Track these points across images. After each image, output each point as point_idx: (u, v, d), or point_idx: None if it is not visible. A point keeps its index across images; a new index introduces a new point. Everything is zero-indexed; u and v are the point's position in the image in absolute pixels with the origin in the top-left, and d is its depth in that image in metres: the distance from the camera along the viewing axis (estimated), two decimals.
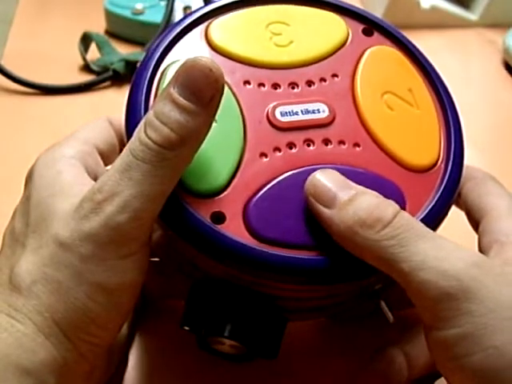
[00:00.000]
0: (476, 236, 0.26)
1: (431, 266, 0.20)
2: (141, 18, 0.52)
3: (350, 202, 0.22)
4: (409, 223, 0.21)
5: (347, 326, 0.31)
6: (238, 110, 0.25)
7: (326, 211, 0.22)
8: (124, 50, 0.50)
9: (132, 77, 0.26)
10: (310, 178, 0.23)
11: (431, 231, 0.22)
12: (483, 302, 0.20)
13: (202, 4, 0.53)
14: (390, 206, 0.22)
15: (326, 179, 0.23)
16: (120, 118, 0.28)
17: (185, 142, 0.21)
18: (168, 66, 0.26)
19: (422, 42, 0.59)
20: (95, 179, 0.24)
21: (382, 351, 0.28)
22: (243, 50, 0.27)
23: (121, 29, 0.54)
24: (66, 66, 0.50)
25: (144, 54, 0.27)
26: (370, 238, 0.21)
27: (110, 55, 0.49)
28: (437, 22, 0.59)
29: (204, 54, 0.26)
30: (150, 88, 0.25)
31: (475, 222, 0.26)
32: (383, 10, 0.57)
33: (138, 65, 0.26)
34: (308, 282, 0.23)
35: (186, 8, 0.53)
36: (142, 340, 0.30)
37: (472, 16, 0.60)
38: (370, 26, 0.29)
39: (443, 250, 0.21)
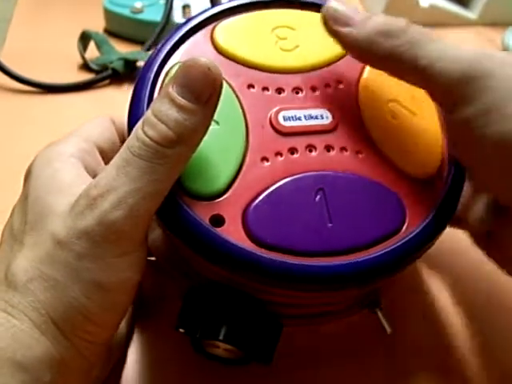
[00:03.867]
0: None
1: (449, 56, 0.22)
2: (140, 16, 0.52)
3: (367, 19, 0.24)
4: (421, 30, 0.24)
5: (344, 328, 0.31)
6: (240, 113, 0.25)
7: (344, 29, 0.25)
8: (123, 49, 0.50)
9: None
10: (324, 6, 0.25)
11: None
12: (500, 78, 0.21)
13: (201, 3, 0.53)
14: (403, 20, 0.24)
15: (339, 6, 0.25)
16: (122, 116, 0.28)
17: (182, 140, 0.21)
18: (172, 66, 0.26)
19: None
20: (94, 177, 0.24)
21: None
22: (248, 53, 0.27)
23: (120, 27, 0.53)
24: (65, 65, 0.49)
25: (149, 54, 0.27)
26: (390, 44, 0.23)
27: (108, 54, 0.49)
28: (436, 21, 0.59)
29: (209, 55, 0.26)
30: (154, 87, 0.25)
31: None
32: (382, 8, 0.57)
33: (143, 64, 0.27)
34: (304, 289, 0.23)
35: (184, 7, 0.52)
36: (140, 339, 0.30)
37: (471, 15, 0.60)
38: None
39: (456, 46, 0.23)
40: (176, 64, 0.26)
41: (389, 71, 0.25)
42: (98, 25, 0.53)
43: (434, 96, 0.24)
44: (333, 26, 0.25)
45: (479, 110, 0.22)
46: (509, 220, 0.24)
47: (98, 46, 0.49)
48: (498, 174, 0.22)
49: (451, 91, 0.22)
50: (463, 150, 0.24)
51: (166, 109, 0.21)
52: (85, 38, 0.49)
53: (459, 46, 0.23)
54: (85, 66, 0.49)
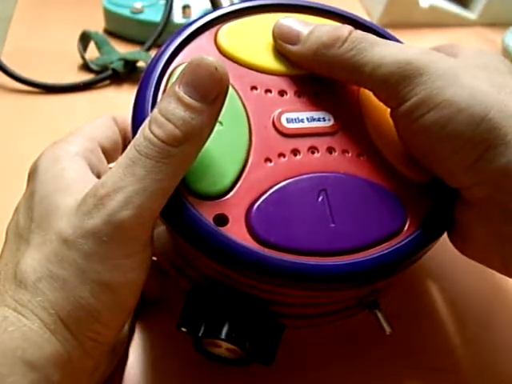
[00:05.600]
0: None
1: (388, 61, 0.24)
2: (140, 16, 0.52)
3: (311, 33, 0.26)
4: (363, 35, 0.25)
5: (344, 329, 0.31)
6: (244, 114, 0.25)
7: (293, 47, 0.27)
8: (123, 49, 0.50)
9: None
10: (275, 23, 0.27)
11: (383, 39, 0.25)
12: (433, 72, 0.23)
13: (201, 3, 0.53)
14: (345, 27, 0.26)
15: (288, 22, 0.27)
16: (124, 116, 0.28)
17: (188, 139, 0.21)
18: (176, 67, 0.26)
19: (421, 41, 0.58)
20: (98, 176, 0.25)
21: None
22: (252, 56, 0.27)
23: (120, 28, 0.53)
24: (65, 65, 0.50)
25: (153, 55, 0.27)
26: (334, 54, 0.25)
27: (108, 54, 0.49)
28: (436, 21, 0.59)
29: (213, 57, 0.27)
30: (158, 87, 0.25)
31: None
32: (382, 8, 0.57)
33: (147, 65, 0.27)
34: (306, 288, 0.24)
35: (184, 7, 0.52)
36: (141, 338, 0.30)
37: (471, 15, 0.60)
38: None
39: (396, 48, 0.24)
40: (180, 65, 0.26)
41: (338, 78, 0.26)
42: (97, 25, 0.53)
43: (379, 97, 0.25)
44: (282, 45, 0.27)
45: (415, 104, 0.23)
46: (463, 203, 0.25)
47: (98, 47, 0.49)
48: (438, 159, 0.24)
49: (393, 92, 0.24)
50: (407, 135, 0.25)
51: (172, 108, 0.21)
52: (85, 38, 0.49)
53: (401, 47, 0.25)
54: (85, 67, 0.49)
